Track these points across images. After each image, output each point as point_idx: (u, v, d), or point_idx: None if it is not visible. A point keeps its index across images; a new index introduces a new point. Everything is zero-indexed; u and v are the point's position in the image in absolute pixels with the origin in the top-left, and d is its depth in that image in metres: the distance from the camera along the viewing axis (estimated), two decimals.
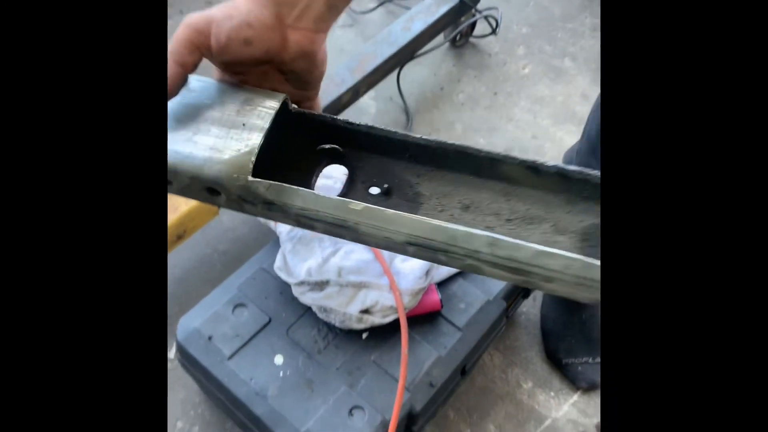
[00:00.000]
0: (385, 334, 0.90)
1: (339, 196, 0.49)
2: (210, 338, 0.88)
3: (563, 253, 0.40)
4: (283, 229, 0.93)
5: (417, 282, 0.89)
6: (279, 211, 0.49)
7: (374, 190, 0.51)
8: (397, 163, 0.52)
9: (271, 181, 0.47)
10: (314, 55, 0.45)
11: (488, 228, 0.48)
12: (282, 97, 0.49)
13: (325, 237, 0.91)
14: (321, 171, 0.53)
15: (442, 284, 0.95)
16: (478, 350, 0.93)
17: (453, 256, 0.45)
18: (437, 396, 0.86)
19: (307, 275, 0.88)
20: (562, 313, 1.10)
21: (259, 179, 0.47)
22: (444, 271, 0.95)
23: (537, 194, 0.49)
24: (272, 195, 0.47)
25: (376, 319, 0.88)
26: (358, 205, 0.45)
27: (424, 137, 0.49)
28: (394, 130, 0.50)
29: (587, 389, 1.07)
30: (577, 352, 1.08)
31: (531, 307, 1.18)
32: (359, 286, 0.88)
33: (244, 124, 0.48)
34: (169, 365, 1.08)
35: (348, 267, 0.88)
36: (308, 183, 0.52)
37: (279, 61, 0.44)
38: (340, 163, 0.53)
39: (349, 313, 0.87)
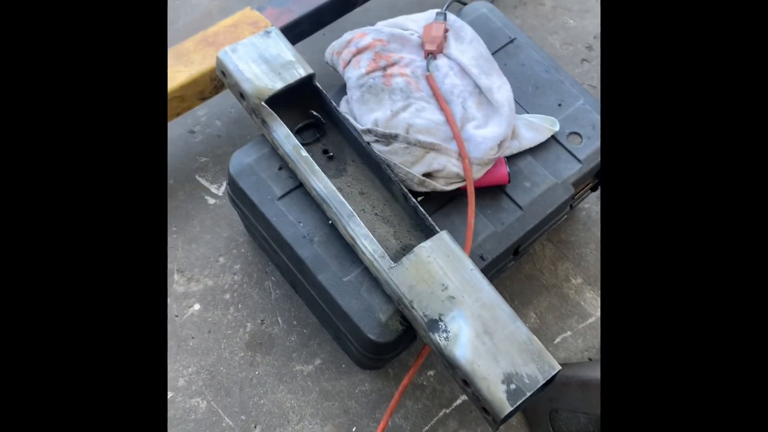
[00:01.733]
0: (439, 200, 0.85)
1: (308, 144, 0.84)
2: (262, 176, 0.85)
3: (376, 244, 0.75)
4: (352, 74, 0.87)
5: (488, 152, 0.83)
6: (266, 129, 0.83)
7: (325, 152, 0.85)
8: (347, 146, 0.86)
9: (271, 110, 0.81)
10: None
11: (362, 211, 0.82)
12: (311, 71, 0.84)
13: (396, 89, 0.85)
14: (301, 124, 0.85)
15: (509, 159, 0.89)
16: (536, 233, 0.89)
17: (330, 212, 0.79)
18: (486, 270, 0.83)
19: (374, 125, 0.83)
20: None
21: (266, 105, 0.81)
22: (515, 146, 0.89)
23: (400, 211, 0.83)
24: (266, 117, 0.82)
25: (439, 185, 0.83)
26: (304, 152, 0.80)
27: (367, 141, 0.83)
28: (356, 128, 0.84)
29: None
30: None
31: (594, 204, 1.12)
32: (428, 147, 0.82)
33: (280, 74, 0.83)
34: (218, 202, 1.07)
35: (417, 125, 0.83)
36: (291, 126, 0.83)
37: None
38: (317, 126, 0.86)
39: (411, 174, 0.82)
